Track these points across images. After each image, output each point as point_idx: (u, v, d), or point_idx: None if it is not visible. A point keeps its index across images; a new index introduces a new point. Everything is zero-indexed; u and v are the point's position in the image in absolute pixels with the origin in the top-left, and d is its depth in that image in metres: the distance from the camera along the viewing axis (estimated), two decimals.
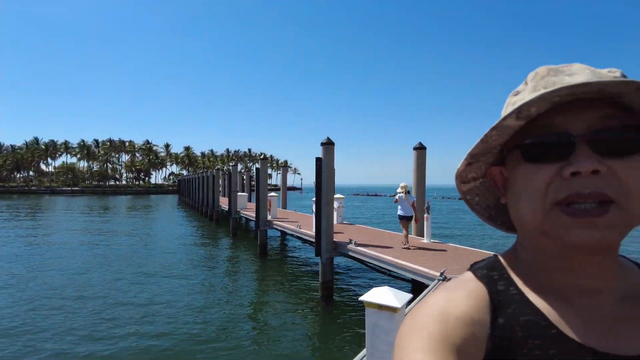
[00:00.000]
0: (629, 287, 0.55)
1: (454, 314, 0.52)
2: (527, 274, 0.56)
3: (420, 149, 12.49)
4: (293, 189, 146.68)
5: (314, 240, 10.81)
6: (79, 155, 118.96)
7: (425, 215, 10.89)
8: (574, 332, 0.50)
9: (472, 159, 0.60)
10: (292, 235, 14.98)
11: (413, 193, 11.96)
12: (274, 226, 16.16)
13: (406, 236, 9.69)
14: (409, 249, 9.52)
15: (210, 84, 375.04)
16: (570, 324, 0.51)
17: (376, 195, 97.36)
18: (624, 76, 0.52)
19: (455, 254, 9.09)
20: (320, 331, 7.97)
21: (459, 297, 0.54)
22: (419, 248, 9.71)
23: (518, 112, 0.49)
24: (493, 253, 0.65)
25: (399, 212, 9.55)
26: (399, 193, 9.45)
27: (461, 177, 0.63)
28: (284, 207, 24.14)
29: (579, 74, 0.50)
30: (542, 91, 0.47)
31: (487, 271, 0.58)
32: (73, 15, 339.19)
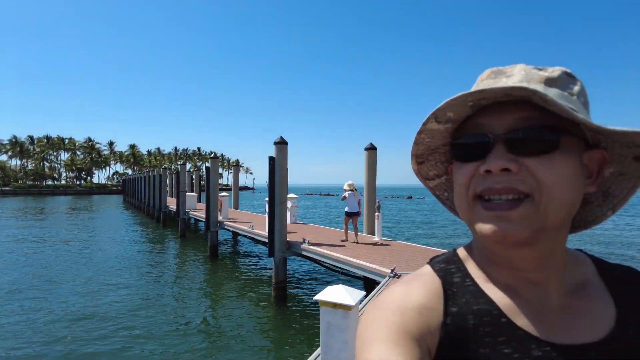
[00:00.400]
0: (578, 280, 0.58)
1: (410, 305, 0.54)
2: (481, 267, 0.59)
3: (371, 149, 12.75)
4: (245, 188, 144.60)
5: (267, 240, 10.71)
6: (10, 153, 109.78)
7: (376, 214, 11.15)
8: (522, 322, 0.53)
9: (419, 158, 0.63)
10: (244, 236, 14.74)
11: (364, 192, 12.33)
12: (225, 227, 15.83)
13: (346, 231, 10.67)
14: (358, 242, 10.32)
15: (157, 80, 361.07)
16: (519, 314, 0.54)
17: (329, 194, 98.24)
18: (567, 74, 0.53)
19: (405, 251, 9.36)
20: (275, 333, 7.91)
21: (414, 289, 0.57)
22: (369, 244, 9.92)
23: (435, 116, 0.54)
24: (441, 250, 0.67)
25: (347, 209, 10.25)
26: (347, 191, 10.15)
27: (421, 175, 0.66)
28: (236, 207, 23.71)
29: (515, 75, 0.53)
30: (452, 97, 0.50)
31: (444, 265, 0.61)
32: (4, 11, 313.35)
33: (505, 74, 0.54)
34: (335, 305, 2.90)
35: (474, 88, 0.54)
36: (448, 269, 0.60)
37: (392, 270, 6.96)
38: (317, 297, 2.98)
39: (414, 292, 0.56)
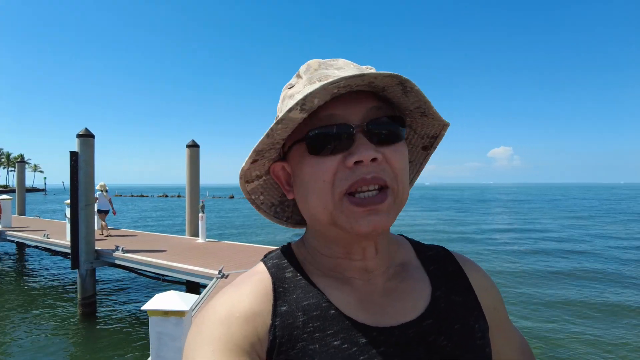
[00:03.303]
0: (400, 263, 0.62)
1: (237, 313, 0.52)
2: (314, 261, 0.59)
3: (194, 146, 12.26)
4: (34, 190, 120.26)
5: (69, 250, 9.17)
6: None
7: (200, 214, 10.79)
8: (350, 311, 0.54)
9: (258, 155, 0.57)
10: (36, 247, 12.26)
11: (187, 191, 12.13)
12: (7, 238, 12.91)
13: (105, 227, 11.71)
14: (110, 236, 11.47)
15: None
16: (348, 303, 0.55)
17: (142, 196, 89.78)
18: None
19: (231, 250, 9.34)
20: (85, 355, 6.83)
21: (243, 294, 0.54)
22: (194, 246, 9.55)
23: (303, 103, 0.48)
24: (267, 247, 0.67)
25: (97, 207, 11.09)
26: (98, 191, 11.11)
27: (245, 177, 0.60)
28: (22, 213, 19.57)
29: (345, 68, 0.53)
30: (322, 82, 0.47)
31: (277, 260, 0.60)
32: None
33: (333, 66, 0.54)
34: (167, 313, 2.70)
35: (308, 79, 0.53)
36: (281, 264, 0.59)
37: (220, 271, 6.85)
38: (146, 306, 2.71)
39: (242, 297, 0.53)
